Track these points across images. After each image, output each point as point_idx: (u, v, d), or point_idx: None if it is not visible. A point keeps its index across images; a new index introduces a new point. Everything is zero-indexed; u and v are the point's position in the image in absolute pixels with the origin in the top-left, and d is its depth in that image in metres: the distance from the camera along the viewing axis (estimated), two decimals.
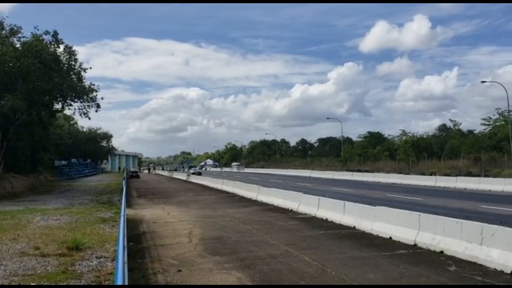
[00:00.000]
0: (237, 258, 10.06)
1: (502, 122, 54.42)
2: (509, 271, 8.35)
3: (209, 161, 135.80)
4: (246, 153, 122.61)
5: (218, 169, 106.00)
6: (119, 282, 5.13)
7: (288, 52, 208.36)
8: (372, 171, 49.18)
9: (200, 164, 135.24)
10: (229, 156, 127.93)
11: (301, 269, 9.09)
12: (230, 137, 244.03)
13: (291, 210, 19.07)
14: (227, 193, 30.30)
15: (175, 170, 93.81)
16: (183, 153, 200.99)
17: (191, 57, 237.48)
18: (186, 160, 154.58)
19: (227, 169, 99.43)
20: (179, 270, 9.06)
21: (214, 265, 9.51)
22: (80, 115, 37.67)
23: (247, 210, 20.00)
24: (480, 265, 8.96)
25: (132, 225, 15.33)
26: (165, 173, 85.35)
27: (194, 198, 27.34)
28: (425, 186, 32.93)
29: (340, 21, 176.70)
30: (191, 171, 69.90)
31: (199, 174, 60.90)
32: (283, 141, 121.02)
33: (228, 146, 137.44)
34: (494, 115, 58.71)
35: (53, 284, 8.19)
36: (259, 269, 9.08)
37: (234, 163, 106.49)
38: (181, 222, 16.23)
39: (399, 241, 11.56)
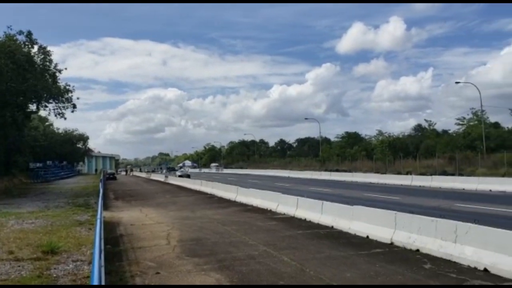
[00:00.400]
0: (215, 259, 10.05)
1: (476, 122, 55.65)
2: (482, 268, 8.55)
3: (188, 162, 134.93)
4: (225, 153, 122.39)
5: (197, 170, 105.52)
6: (95, 282, 5.05)
7: (266, 53, 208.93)
8: (350, 171, 49.66)
9: (179, 165, 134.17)
10: (208, 157, 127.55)
11: (280, 269, 9.14)
12: (209, 138, 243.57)
13: (270, 210, 19.12)
14: (206, 194, 30.20)
15: (153, 171, 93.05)
16: (161, 154, 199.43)
17: (169, 58, 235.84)
18: (164, 161, 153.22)
19: (206, 170, 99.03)
20: (158, 273, 9.00)
21: (192, 266, 9.48)
22: (56, 115, 37.18)
23: (226, 211, 19.97)
24: (455, 262, 9.14)
25: (109, 227, 15.15)
26: (143, 174, 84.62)
27: (172, 199, 27.17)
28: (402, 185, 33.44)
29: (317, 22, 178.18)
30: (178, 173, 61.18)
31: (188, 176, 53.40)
32: (262, 142, 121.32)
33: (207, 147, 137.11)
34: (468, 114, 60.00)
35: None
36: (238, 270, 9.09)
37: (213, 164, 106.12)
38: (159, 224, 16.11)
39: (376, 240, 11.72)
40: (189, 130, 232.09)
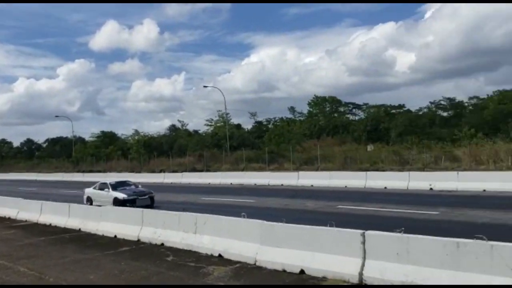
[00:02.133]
0: None
1: (222, 123, 61.57)
2: (217, 254, 9.56)
3: None
4: None
5: None
6: None
7: (10, 42, 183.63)
8: (104, 171, 48.53)
9: None
10: None
11: (15, 280, 8.42)
12: None
13: (9, 218, 17.32)
14: None
15: None
16: None
17: None
18: None
19: None
20: None
21: None
22: None
23: None
24: (195, 251, 9.99)
25: None
26: None
27: None
28: (155, 183, 34.35)
29: (69, 15, 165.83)
30: (120, 196, 18.89)
31: (150, 203, 18.82)
32: (5, 142, 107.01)
33: None
34: (215, 117, 66.15)
35: None
36: None
37: None
38: None
39: (123, 239, 11.87)
40: None
